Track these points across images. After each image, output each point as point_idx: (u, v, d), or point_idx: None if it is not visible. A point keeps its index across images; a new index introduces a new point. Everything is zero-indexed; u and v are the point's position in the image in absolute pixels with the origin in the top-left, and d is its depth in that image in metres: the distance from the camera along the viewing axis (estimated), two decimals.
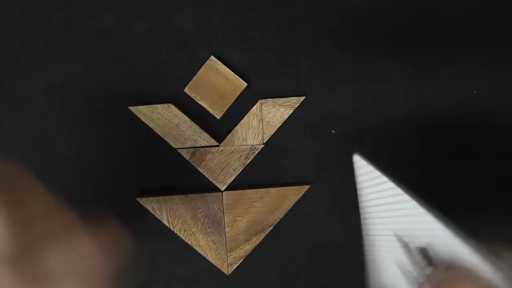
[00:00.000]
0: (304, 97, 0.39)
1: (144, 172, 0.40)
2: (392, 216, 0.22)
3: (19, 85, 0.39)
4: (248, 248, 0.39)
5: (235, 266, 0.40)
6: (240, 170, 0.39)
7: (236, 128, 0.39)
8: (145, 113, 0.39)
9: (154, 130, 0.39)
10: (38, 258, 0.16)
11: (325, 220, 0.40)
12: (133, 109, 0.39)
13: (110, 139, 0.40)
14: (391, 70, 0.40)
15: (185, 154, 0.39)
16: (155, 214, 0.39)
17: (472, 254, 0.18)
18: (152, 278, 0.40)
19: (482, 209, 0.41)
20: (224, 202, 0.39)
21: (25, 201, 0.17)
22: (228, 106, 0.39)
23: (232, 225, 0.39)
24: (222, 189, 0.39)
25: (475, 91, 0.41)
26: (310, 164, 0.40)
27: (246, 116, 0.39)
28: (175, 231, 0.39)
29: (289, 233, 0.40)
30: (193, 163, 0.39)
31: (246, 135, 0.39)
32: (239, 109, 0.40)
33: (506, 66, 0.41)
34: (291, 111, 0.39)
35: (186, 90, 0.39)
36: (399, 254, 0.23)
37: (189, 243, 0.39)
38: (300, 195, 0.39)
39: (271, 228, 0.39)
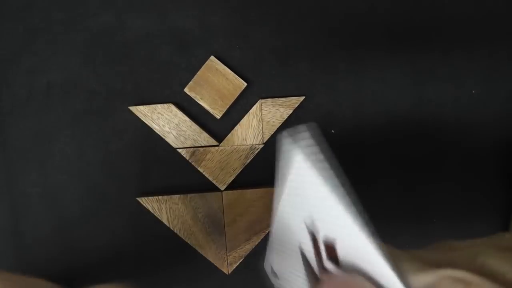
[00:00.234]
0: (304, 97, 0.39)
1: (144, 172, 0.40)
2: (308, 203, 0.21)
3: (19, 85, 0.39)
4: (248, 247, 0.39)
5: (235, 266, 0.40)
6: (240, 170, 0.39)
7: (236, 128, 0.39)
8: (145, 113, 0.39)
9: (154, 130, 0.39)
10: None
11: None
12: (133, 109, 0.39)
13: (110, 139, 0.40)
14: (391, 70, 0.40)
15: (185, 154, 0.39)
16: (155, 214, 0.39)
17: (380, 261, 0.17)
18: (152, 278, 0.40)
19: (479, 207, 0.42)
20: (224, 202, 0.39)
21: None
22: (228, 106, 0.39)
23: (232, 224, 0.39)
24: (222, 189, 0.39)
25: (473, 91, 0.41)
26: None
27: (246, 116, 0.39)
28: (175, 231, 0.39)
29: None
30: (193, 163, 0.39)
31: (246, 135, 0.39)
32: (239, 109, 0.40)
33: (505, 66, 0.41)
34: (291, 111, 0.39)
35: (186, 90, 0.39)
36: (303, 240, 0.22)
37: (189, 242, 0.39)
38: None
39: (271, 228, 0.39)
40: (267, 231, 0.39)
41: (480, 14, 0.40)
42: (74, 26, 0.39)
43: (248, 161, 0.39)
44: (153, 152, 0.40)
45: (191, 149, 0.39)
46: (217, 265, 0.39)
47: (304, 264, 0.22)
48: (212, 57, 0.39)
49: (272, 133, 0.39)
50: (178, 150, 0.39)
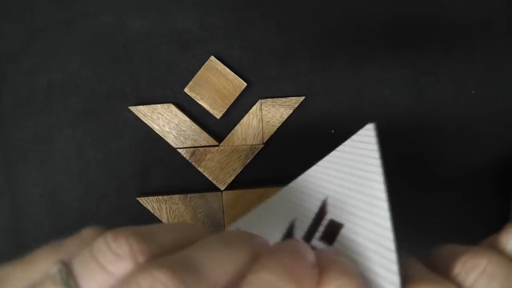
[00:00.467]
0: (304, 97, 0.39)
1: (144, 172, 0.40)
2: (343, 185, 0.21)
3: (19, 85, 0.39)
4: None
5: None
6: (240, 170, 0.39)
7: (236, 128, 0.39)
8: (145, 112, 0.39)
9: (154, 130, 0.39)
10: None
11: None
12: (133, 109, 0.39)
13: (110, 139, 0.40)
14: (391, 70, 0.40)
15: (185, 154, 0.39)
16: (155, 214, 0.39)
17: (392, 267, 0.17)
18: None
19: (479, 207, 0.42)
20: (224, 202, 0.39)
21: None
22: (228, 106, 0.39)
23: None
24: (222, 189, 0.39)
25: (473, 92, 0.41)
26: (310, 164, 0.40)
27: (246, 116, 0.39)
28: None
29: None
30: (193, 163, 0.39)
31: (246, 135, 0.39)
32: (239, 109, 0.40)
33: (504, 66, 0.41)
34: (291, 111, 0.39)
35: (186, 90, 0.39)
36: (305, 213, 0.22)
37: None
38: None
39: None
40: None
41: (480, 14, 0.40)
42: (74, 26, 0.39)
43: (248, 161, 0.39)
44: (153, 152, 0.40)
45: (191, 149, 0.39)
46: None
47: (284, 238, 0.22)
48: (212, 57, 0.39)
49: (272, 133, 0.39)
50: (178, 150, 0.39)
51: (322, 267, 0.16)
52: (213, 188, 0.40)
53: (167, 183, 0.40)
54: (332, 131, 0.40)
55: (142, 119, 0.39)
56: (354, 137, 0.22)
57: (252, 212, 0.26)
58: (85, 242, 0.16)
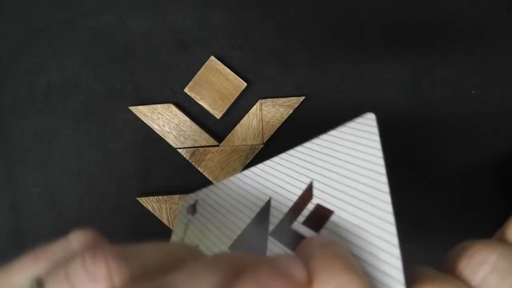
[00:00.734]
0: (304, 97, 0.39)
1: (144, 172, 0.40)
2: (334, 170, 0.20)
3: (19, 85, 0.39)
4: None
5: None
6: (240, 170, 0.39)
7: (236, 128, 0.39)
8: (145, 113, 0.39)
9: (154, 130, 0.39)
10: None
11: None
12: (133, 109, 0.39)
13: (110, 139, 0.40)
14: (391, 70, 0.40)
15: (185, 154, 0.39)
16: (155, 214, 0.39)
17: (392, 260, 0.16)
18: None
19: (479, 207, 0.42)
20: None
21: None
22: (228, 106, 0.39)
23: None
24: None
25: (473, 92, 0.41)
26: None
27: (246, 116, 0.39)
28: None
29: None
30: (193, 163, 0.39)
31: (246, 135, 0.39)
32: (239, 109, 0.40)
33: (505, 66, 0.41)
34: (291, 111, 0.39)
35: (186, 90, 0.39)
36: (285, 195, 0.21)
37: None
38: None
39: None
40: None
41: (480, 14, 0.40)
42: (74, 26, 0.39)
43: (248, 161, 0.39)
44: (153, 152, 0.40)
45: (191, 149, 0.39)
46: None
47: (258, 216, 0.21)
48: (212, 57, 0.39)
49: (272, 133, 0.39)
50: (178, 150, 0.39)
51: (317, 262, 0.14)
52: None
53: (167, 183, 0.40)
54: None
55: (142, 119, 0.39)
56: (351, 124, 0.21)
57: (231, 180, 0.25)
58: (70, 250, 0.16)
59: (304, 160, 0.22)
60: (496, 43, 0.41)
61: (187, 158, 0.39)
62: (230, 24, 0.40)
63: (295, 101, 0.39)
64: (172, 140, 0.39)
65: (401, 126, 0.41)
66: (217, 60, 0.39)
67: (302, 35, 0.40)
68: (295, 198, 0.20)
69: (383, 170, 0.18)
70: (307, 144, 0.22)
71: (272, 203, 0.21)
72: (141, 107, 0.39)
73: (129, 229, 0.40)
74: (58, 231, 0.39)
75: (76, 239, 0.17)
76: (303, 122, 0.40)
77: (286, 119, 0.39)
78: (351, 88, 0.40)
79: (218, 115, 0.39)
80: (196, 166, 0.39)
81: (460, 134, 0.41)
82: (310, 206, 0.19)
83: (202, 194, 0.26)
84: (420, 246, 0.41)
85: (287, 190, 0.21)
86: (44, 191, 0.39)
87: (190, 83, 0.39)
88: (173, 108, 0.39)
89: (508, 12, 0.40)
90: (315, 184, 0.20)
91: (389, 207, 0.18)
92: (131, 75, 0.40)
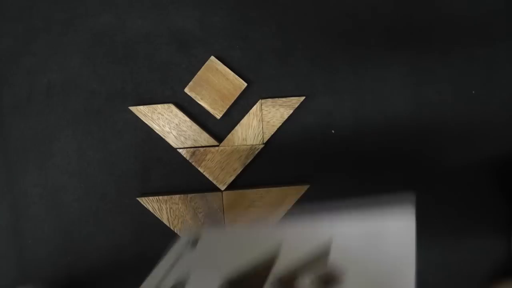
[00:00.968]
0: (304, 97, 0.39)
1: (144, 172, 0.40)
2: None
3: (19, 85, 0.39)
4: None
5: None
6: (240, 170, 0.39)
7: (236, 128, 0.39)
8: (145, 113, 0.39)
9: (154, 130, 0.39)
10: None
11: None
12: (133, 109, 0.39)
13: (110, 139, 0.40)
14: (391, 70, 0.40)
15: (185, 154, 0.39)
16: (155, 214, 0.39)
17: None
18: None
19: (479, 207, 0.42)
20: (224, 202, 0.39)
21: None
22: (228, 106, 0.39)
23: (232, 224, 0.39)
24: (222, 189, 0.39)
25: (473, 92, 0.41)
26: (310, 164, 0.40)
27: (246, 116, 0.39)
28: (175, 231, 0.39)
29: None
30: (193, 163, 0.39)
31: (246, 135, 0.39)
32: (239, 109, 0.40)
33: (504, 66, 0.41)
34: (291, 111, 0.39)
35: (186, 90, 0.39)
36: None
37: None
38: (300, 195, 0.39)
39: None
40: None
41: (480, 14, 0.40)
42: (74, 26, 0.39)
43: (249, 161, 0.39)
44: (153, 152, 0.40)
45: (191, 149, 0.39)
46: None
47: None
48: (212, 57, 0.39)
49: (272, 133, 0.39)
50: (178, 150, 0.39)
51: None
52: (213, 188, 0.40)
53: (167, 183, 0.40)
54: (333, 131, 0.40)
55: (142, 119, 0.39)
56: (388, 210, 0.21)
57: (243, 230, 0.24)
58: None
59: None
60: (496, 43, 0.41)
61: (187, 158, 0.39)
62: (230, 24, 0.40)
63: (295, 101, 0.39)
64: (172, 140, 0.39)
65: (401, 126, 0.41)
66: (217, 60, 0.39)
67: (302, 35, 0.40)
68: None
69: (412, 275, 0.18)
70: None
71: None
72: (141, 107, 0.39)
73: (129, 229, 0.40)
74: (58, 231, 0.40)
75: None
76: (303, 122, 0.40)
77: (287, 119, 0.39)
78: (351, 88, 0.40)
79: (218, 115, 0.39)
80: (196, 166, 0.39)
81: (460, 134, 0.41)
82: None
83: (208, 233, 0.26)
84: (420, 246, 0.41)
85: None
86: (44, 191, 0.39)
87: (190, 83, 0.39)
88: (173, 108, 0.39)
89: (508, 12, 0.41)
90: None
91: None
92: (131, 75, 0.39)
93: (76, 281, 0.40)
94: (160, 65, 0.40)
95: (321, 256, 0.20)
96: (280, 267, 0.20)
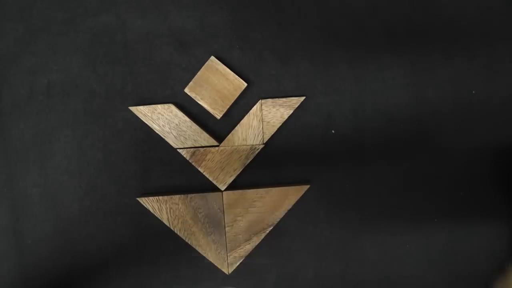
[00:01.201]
0: (304, 97, 0.39)
1: (144, 172, 0.40)
2: None
3: (19, 85, 0.39)
4: (248, 248, 0.39)
5: (235, 266, 0.40)
6: (240, 170, 0.39)
7: (236, 128, 0.39)
8: (145, 113, 0.39)
9: (154, 130, 0.39)
10: None
11: (325, 220, 0.41)
12: (133, 109, 0.39)
13: (110, 139, 0.40)
14: (391, 70, 0.40)
15: (185, 154, 0.39)
16: (155, 214, 0.39)
17: None
18: (152, 278, 0.40)
19: (480, 207, 0.42)
20: (224, 202, 0.39)
21: None
22: (228, 106, 0.39)
23: (232, 225, 0.39)
24: (222, 189, 0.39)
25: (473, 92, 0.41)
26: (310, 164, 0.40)
27: (246, 116, 0.39)
28: (175, 231, 0.39)
29: (289, 233, 0.40)
30: (193, 163, 0.39)
31: (246, 135, 0.39)
32: (239, 109, 0.40)
33: (505, 66, 0.41)
34: (291, 111, 0.39)
35: (186, 90, 0.39)
36: None
37: (189, 243, 0.39)
38: (300, 195, 0.39)
39: (271, 228, 0.39)
40: (267, 231, 0.39)
41: (480, 14, 0.40)
42: (74, 26, 0.39)
43: (249, 161, 0.39)
44: (153, 152, 0.40)
45: (191, 149, 0.39)
46: (217, 265, 0.39)
47: None
48: (212, 57, 0.39)
49: (272, 133, 0.39)
50: (178, 150, 0.39)
51: None
52: (213, 188, 0.40)
53: (167, 183, 0.40)
54: (333, 131, 0.40)
55: (142, 119, 0.39)
56: None
57: None
58: None
59: None
60: (496, 42, 0.41)
61: (187, 158, 0.39)
62: (230, 24, 0.40)
63: (295, 101, 0.39)
64: (172, 140, 0.39)
65: (401, 126, 0.41)
66: (217, 60, 0.39)
67: (302, 35, 0.40)
68: None
69: None
70: None
71: None
72: (141, 107, 0.39)
73: (129, 229, 0.40)
74: (58, 231, 0.40)
75: None
76: (304, 122, 0.40)
77: (287, 119, 0.39)
78: (351, 88, 0.40)
79: (218, 115, 0.39)
80: (197, 167, 0.39)
81: (461, 134, 0.41)
82: None
83: None
84: (421, 246, 0.41)
85: None
86: (44, 191, 0.39)
87: (190, 83, 0.39)
88: (173, 108, 0.39)
89: (509, 11, 0.40)
90: None
91: None
92: (131, 75, 0.39)
93: (76, 281, 0.40)
94: (160, 65, 0.40)
95: None
96: None
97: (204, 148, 0.39)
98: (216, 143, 0.39)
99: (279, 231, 0.40)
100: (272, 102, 0.39)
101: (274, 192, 0.39)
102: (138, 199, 0.39)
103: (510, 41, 0.41)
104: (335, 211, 0.41)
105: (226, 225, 0.39)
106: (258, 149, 0.39)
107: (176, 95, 0.40)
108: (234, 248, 0.39)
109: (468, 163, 0.41)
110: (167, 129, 0.39)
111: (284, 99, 0.39)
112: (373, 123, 0.40)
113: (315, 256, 0.41)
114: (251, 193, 0.39)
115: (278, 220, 0.39)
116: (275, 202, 0.39)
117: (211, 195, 0.39)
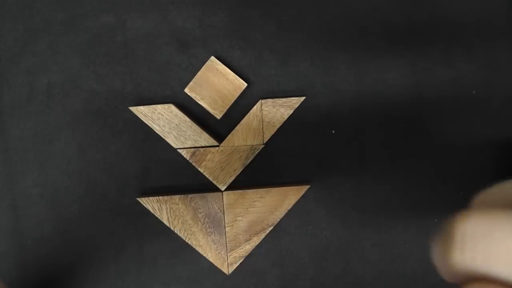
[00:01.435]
0: (304, 97, 0.39)
1: (144, 172, 0.40)
2: None
3: (19, 85, 0.39)
4: (248, 248, 0.39)
5: (235, 266, 0.40)
6: (240, 170, 0.39)
7: (236, 128, 0.39)
8: (145, 113, 0.39)
9: (154, 130, 0.39)
10: None
11: (325, 220, 0.41)
12: (133, 109, 0.39)
13: (110, 139, 0.40)
14: (391, 70, 0.40)
15: (185, 154, 0.39)
16: (155, 214, 0.39)
17: None
18: (152, 278, 0.40)
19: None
20: (224, 202, 0.39)
21: None
22: (228, 106, 0.39)
23: (232, 225, 0.39)
24: (222, 189, 0.39)
25: (474, 92, 0.41)
26: (310, 164, 0.40)
27: (246, 116, 0.39)
28: (175, 231, 0.39)
29: (289, 233, 0.40)
30: (193, 163, 0.39)
31: (246, 135, 0.39)
32: (239, 109, 0.40)
33: (505, 66, 0.41)
34: (291, 111, 0.39)
35: (186, 90, 0.39)
36: None
37: (189, 243, 0.39)
38: (300, 195, 0.39)
39: (271, 228, 0.39)
40: (267, 231, 0.39)
41: (480, 14, 0.40)
42: (74, 26, 0.39)
43: (249, 161, 0.39)
44: (153, 152, 0.40)
45: (192, 149, 0.39)
46: (217, 265, 0.39)
47: None
48: (212, 57, 0.39)
49: (272, 133, 0.39)
50: (178, 150, 0.39)
51: None
52: (213, 188, 0.40)
53: (167, 183, 0.40)
54: (333, 131, 0.40)
55: (142, 119, 0.39)
56: None
57: None
58: None
59: None
60: (497, 42, 0.41)
61: (188, 159, 0.39)
62: (230, 24, 0.40)
63: (295, 101, 0.39)
64: (172, 140, 0.39)
65: (402, 126, 0.41)
66: (217, 60, 0.39)
67: (302, 35, 0.40)
68: None
69: None
70: None
71: None
72: (141, 108, 0.39)
73: (129, 229, 0.40)
74: (58, 231, 0.40)
75: None
76: (303, 122, 0.40)
77: (287, 119, 0.39)
78: (351, 88, 0.40)
79: (218, 115, 0.39)
80: (197, 167, 0.39)
81: (461, 134, 0.41)
82: None
83: None
84: (421, 246, 0.41)
85: None
86: (44, 191, 0.39)
87: (190, 83, 0.39)
88: (173, 108, 0.39)
89: (508, 12, 0.40)
90: None
91: None
92: (131, 75, 0.39)
93: (76, 281, 0.40)
94: (160, 65, 0.40)
95: None
96: None
97: (204, 148, 0.39)
98: (216, 143, 0.39)
99: (279, 231, 0.40)
100: (272, 102, 0.39)
101: (274, 192, 0.39)
102: (138, 199, 0.39)
103: (510, 41, 0.41)
104: (335, 211, 0.41)
105: (226, 225, 0.39)
106: (258, 149, 0.39)
107: (176, 95, 0.40)
108: (234, 248, 0.39)
109: (468, 163, 0.41)
110: (167, 129, 0.39)
111: (284, 99, 0.39)
112: (373, 123, 0.40)
113: (315, 256, 0.41)
114: (251, 193, 0.39)
115: (278, 220, 0.39)
116: (275, 202, 0.39)
117: (211, 195, 0.39)
